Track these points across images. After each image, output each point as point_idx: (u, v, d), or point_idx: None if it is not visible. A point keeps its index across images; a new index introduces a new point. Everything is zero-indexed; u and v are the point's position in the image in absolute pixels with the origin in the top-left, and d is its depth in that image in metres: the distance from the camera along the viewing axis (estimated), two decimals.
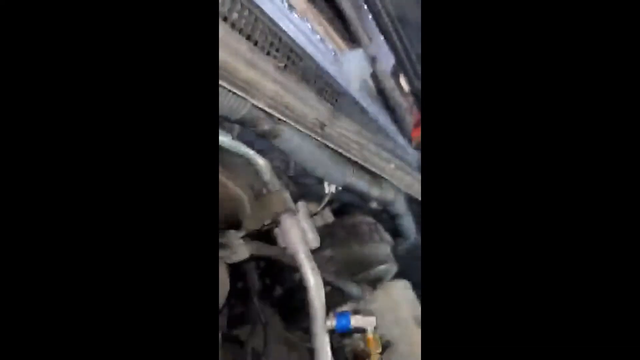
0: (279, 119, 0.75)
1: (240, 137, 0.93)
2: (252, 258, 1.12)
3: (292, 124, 0.75)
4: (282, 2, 0.74)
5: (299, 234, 1.04)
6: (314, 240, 1.06)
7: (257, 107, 0.72)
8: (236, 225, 1.14)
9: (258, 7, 0.65)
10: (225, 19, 0.60)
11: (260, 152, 1.04)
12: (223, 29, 0.59)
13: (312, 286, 1.00)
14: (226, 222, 1.16)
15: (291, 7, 0.78)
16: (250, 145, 0.99)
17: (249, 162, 1.08)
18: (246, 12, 0.63)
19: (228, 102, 0.69)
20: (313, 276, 1.00)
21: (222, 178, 1.12)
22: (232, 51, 0.60)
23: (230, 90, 0.62)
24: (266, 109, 0.67)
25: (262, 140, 0.93)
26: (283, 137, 0.79)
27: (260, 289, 1.42)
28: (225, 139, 0.97)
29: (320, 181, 1.15)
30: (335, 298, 1.17)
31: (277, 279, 1.35)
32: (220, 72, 0.58)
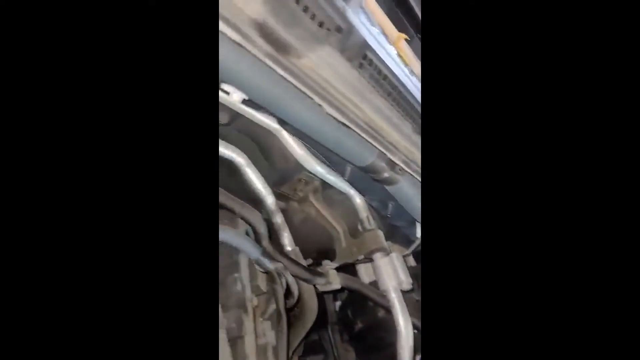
0: (400, 169, 0.84)
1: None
2: (338, 290, 1.19)
3: (414, 175, 0.83)
4: (407, 68, 0.86)
5: (391, 274, 1.09)
6: (406, 283, 1.10)
7: (381, 157, 0.82)
8: (330, 256, 1.23)
9: (394, 75, 0.78)
10: (373, 87, 0.73)
11: (359, 191, 1.14)
12: (373, 95, 0.71)
13: (402, 328, 1.03)
14: (321, 252, 1.25)
15: (412, 72, 0.90)
16: (352, 184, 1.09)
17: (348, 199, 1.18)
18: (387, 81, 0.76)
19: (359, 150, 0.80)
20: (403, 318, 1.04)
21: (322, 211, 1.23)
22: (376, 109, 0.71)
23: (374, 145, 0.73)
24: (400, 164, 0.76)
25: (363, 181, 1.02)
26: (399, 185, 0.87)
27: (336, 321, 1.47)
28: (331, 177, 1.09)
29: (412, 225, 1.20)
30: (419, 343, 1.17)
31: (357, 314, 1.39)
32: (369, 130, 0.69)
